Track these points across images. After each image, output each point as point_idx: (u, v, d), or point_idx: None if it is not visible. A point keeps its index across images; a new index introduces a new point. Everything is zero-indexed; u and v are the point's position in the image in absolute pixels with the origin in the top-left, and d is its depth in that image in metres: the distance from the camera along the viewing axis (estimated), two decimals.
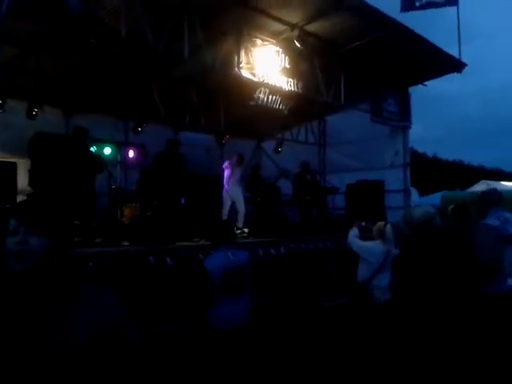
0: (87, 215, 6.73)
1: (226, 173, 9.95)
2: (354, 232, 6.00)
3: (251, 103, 8.78)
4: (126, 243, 6.66)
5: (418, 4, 9.53)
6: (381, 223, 5.82)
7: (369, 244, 5.72)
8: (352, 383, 4.52)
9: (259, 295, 7.00)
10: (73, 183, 6.43)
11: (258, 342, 4.03)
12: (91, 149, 7.87)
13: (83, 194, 6.68)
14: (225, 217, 9.47)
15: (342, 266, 8.32)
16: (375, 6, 7.55)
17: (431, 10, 9.54)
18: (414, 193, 14.77)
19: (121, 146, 10.22)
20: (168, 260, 6.02)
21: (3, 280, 1.51)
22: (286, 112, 9.51)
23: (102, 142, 9.26)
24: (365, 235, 6.19)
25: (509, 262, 3.63)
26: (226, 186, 9.74)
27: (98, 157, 7.76)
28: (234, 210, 9.85)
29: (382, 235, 5.57)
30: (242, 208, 9.85)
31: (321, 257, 8.16)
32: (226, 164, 10.06)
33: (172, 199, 8.03)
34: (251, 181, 10.74)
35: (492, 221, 3.88)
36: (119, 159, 10.22)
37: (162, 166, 8.05)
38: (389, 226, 5.69)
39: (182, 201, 8.38)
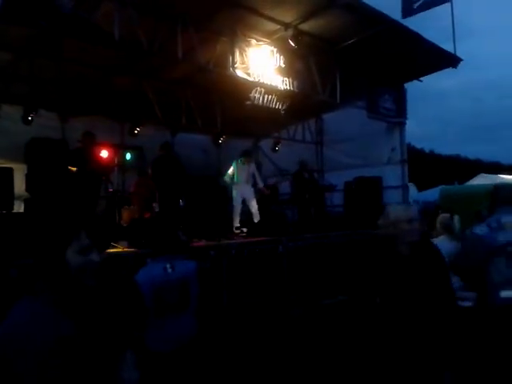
0: (89, 219, 6.74)
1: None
2: None
3: (247, 103, 8.77)
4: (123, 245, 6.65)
5: (415, 6, 9.53)
6: (446, 215, 5.05)
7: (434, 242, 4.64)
8: (351, 380, 4.52)
9: (259, 294, 7.02)
10: (73, 187, 6.45)
11: (201, 363, 3.66)
12: (101, 154, 7.98)
13: (84, 197, 6.71)
14: (236, 217, 9.35)
15: (341, 264, 8.34)
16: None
17: (430, 11, 9.52)
18: (413, 188, 14.80)
19: (117, 149, 10.20)
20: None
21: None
22: (282, 112, 9.47)
23: (98, 145, 9.25)
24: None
25: (499, 274, 3.26)
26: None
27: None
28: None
29: (449, 229, 4.81)
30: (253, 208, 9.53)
31: (320, 254, 8.16)
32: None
33: (173, 201, 8.02)
34: None
35: (480, 228, 3.37)
36: (116, 162, 10.20)
37: (161, 171, 8.04)
38: (457, 217, 5.07)
39: (180, 202, 8.38)
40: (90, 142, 7.39)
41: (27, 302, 1.54)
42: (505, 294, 3.24)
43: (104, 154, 9.46)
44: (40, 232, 1.65)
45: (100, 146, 9.15)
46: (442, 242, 4.42)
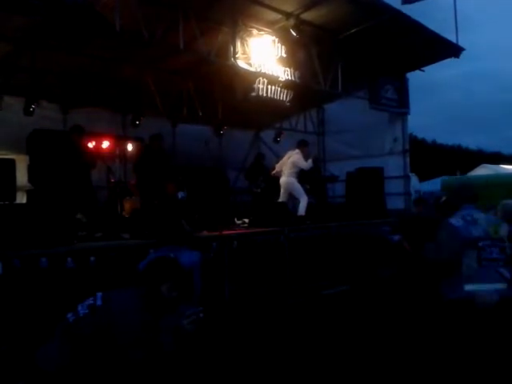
0: (91, 209, 6.79)
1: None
2: None
3: (252, 94, 8.61)
4: (126, 236, 6.68)
5: None
6: (509, 202, 4.53)
7: None
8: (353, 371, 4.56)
9: (261, 284, 7.06)
10: (73, 178, 6.45)
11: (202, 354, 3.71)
12: (89, 144, 7.92)
13: (85, 188, 6.71)
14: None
15: (342, 254, 8.37)
16: None
17: (424, 2, 9.37)
18: (414, 179, 14.78)
19: (119, 140, 10.21)
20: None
21: None
22: (287, 104, 9.32)
23: (100, 136, 9.27)
24: None
25: (466, 267, 3.42)
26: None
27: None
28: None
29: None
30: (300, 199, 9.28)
31: (321, 245, 8.19)
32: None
33: (161, 193, 7.87)
34: (252, 169, 10.71)
35: (456, 220, 3.56)
36: (118, 153, 10.21)
37: (146, 162, 7.91)
38: None
39: (182, 194, 8.35)
40: (78, 135, 7.28)
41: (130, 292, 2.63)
42: (468, 287, 3.40)
43: (105, 144, 9.50)
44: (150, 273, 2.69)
45: (100, 137, 9.19)
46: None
